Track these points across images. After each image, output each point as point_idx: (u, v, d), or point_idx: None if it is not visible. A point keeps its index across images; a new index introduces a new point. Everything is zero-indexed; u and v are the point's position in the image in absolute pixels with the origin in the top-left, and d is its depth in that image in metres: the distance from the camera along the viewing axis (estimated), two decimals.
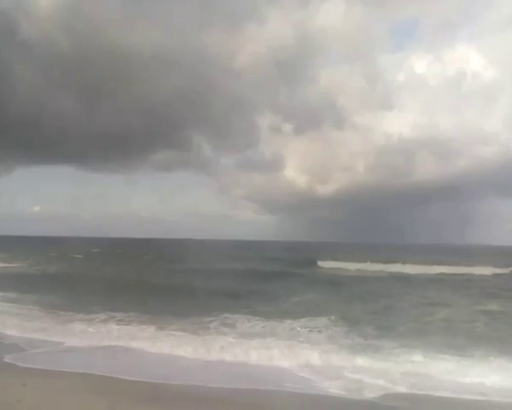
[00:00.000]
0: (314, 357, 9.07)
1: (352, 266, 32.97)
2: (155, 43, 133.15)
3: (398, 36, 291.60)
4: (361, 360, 8.82)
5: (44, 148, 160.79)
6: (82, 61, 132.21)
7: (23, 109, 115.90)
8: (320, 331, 11.31)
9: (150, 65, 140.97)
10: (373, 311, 14.60)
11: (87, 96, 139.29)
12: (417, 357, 8.89)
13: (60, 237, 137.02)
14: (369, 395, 7.17)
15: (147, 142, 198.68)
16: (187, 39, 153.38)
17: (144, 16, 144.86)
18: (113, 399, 6.75)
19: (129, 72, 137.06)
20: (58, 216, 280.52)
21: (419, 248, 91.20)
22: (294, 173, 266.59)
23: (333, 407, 6.98)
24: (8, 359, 9.13)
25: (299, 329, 11.57)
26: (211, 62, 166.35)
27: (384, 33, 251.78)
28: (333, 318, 12.72)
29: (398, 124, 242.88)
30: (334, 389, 7.44)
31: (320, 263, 35.64)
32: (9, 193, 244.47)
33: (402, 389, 7.45)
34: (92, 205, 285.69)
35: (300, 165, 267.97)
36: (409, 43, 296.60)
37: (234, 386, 7.71)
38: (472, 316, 13.96)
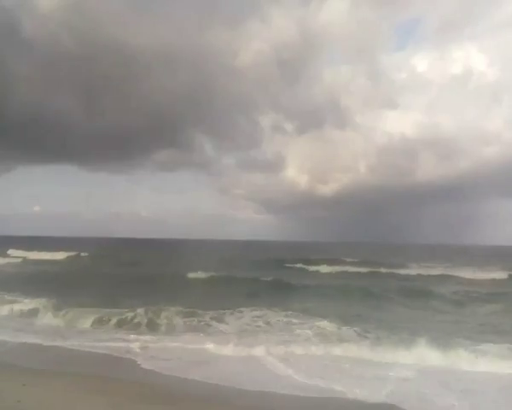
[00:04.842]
0: None
1: (323, 269, 32.56)
2: (158, 42, 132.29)
3: (402, 35, 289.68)
4: None
5: (45, 147, 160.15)
6: (84, 59, 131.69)
7: (24, 108, 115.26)
8: None
9: (152, 63, 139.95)
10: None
11: (89, 95, 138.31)
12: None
13: (60, 237, 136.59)
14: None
15: (148, 141, 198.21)
16: (189, 38, 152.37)
17: (146, 15, 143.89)
18: (113, 399, 6.78)
19: (131, 71, 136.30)
20: (58, 216, 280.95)
21: (418, 249, 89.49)
22: (296, 173, 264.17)
23: None
24: (8, 359, 9.17)
25: None
26: (213, 61, 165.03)
27: (387, 32, 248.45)
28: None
29: (401, 123, 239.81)
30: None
31: (288, 265, 36.05)
32: (9, 193, 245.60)
33: None
34: (93, 205, 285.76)
35: (302, 164, 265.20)
36: (412, 43, 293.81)
37: (235, 386, 7.71)
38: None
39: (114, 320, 13.18)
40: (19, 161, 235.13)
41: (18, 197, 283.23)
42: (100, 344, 10.62)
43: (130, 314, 13.55)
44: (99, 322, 13.10)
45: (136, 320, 13.17)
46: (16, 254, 43.40)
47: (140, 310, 13.75)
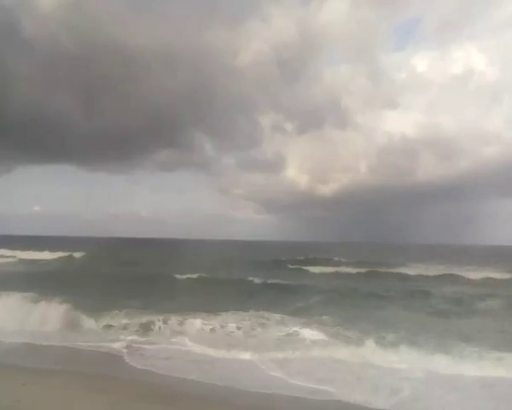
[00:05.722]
0: None
1: (322, 270, 32.35)
2: (158, 42, 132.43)
3: (402, 35, 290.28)
4: None
5: (45, 147, 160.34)
6: (84, 59, 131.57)
7: (24, 108, 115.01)
8: None
9: (152, 63, 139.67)
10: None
11: (88, 95, 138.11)
12: None
13: (59, 237, 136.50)
14: None
15: (148, 141, 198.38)
16: (189, 38, 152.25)
17: (146, 14, 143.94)
18: (113, 398, 6.79)
19: (131, 71, 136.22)
20: (58, 216, 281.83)
21: (418, 249, 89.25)
22: (296, 173, 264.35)
23: None
24: (8, 358, 9.18)
25: None
26: (213, 61, 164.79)
27: (387, 32, 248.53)
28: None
29: (401, 123, 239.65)
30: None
31: (287, 265, 36.22)
32: (9, 193, 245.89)
33: None
34: (92, 205, 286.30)
35: (302, 164, 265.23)
36: (412, 43, 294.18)
37: (233, 386, 7.71)
38: None
39: (110, 321, 13.14)
40: (19, 161, 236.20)
41: (18, 197, 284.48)
42: (98, 344, 10.69)
43: (126, 315, 13.53)
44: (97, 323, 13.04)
45: (132, 322, 13.06)
46: (8, 254, 42.89)
47: (139, 311, 13.80)
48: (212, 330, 12.41)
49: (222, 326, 12.63)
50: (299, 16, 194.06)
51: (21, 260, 38.46)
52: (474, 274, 28.58)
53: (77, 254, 44.58)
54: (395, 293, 20.06)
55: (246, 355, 9.74)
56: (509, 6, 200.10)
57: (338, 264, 37.22)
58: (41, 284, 19.43)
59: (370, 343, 10.36)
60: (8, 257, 39.93)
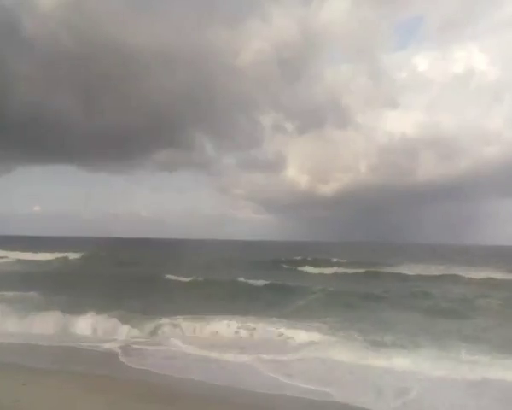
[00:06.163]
0: None
1: (322, 270, 32.24)
2: (158, 41, 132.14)
3: (403, 34, 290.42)
4: None
5: (45, 147, 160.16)
6: (83, 59, 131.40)
7: (24, 108, 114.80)
8: None
9: (152, 63, 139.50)
10: None
11: (88, 95, 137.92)
12: None
13: (59, 237, 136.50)
14: None
15: (148, 141, 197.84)
16: (189, 37, 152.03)
17: (145, 14, 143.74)
18: (112, 397, 6.82)
19: (131, 70, 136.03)
20: (58, 216, 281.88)
21: (418, 249, 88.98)
22: (296, 173, 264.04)
23: None
24: (8, 358, 9.23)
25: None
26: (213, 60, 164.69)
27: (388, 31, 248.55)
28: None
29: (402, 123, 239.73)
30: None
31: (285, 266, 36.15)
32: (9, 193, 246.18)
33: None
34: (92, 205, 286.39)
35: (303, 164, 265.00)
36: (413, 42, 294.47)
37: (232, 386, 7.76)
38: None
39: (108, 322, 13.01)
40: (19, 161, 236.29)
41: (18, 197, 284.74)
42: (96, 344, 10.77)
43: (124, 316, 13.41)
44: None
45: (130, 322, 12.93)
46: (2, 254, 42.63)
47: (136, 313, 13.75)
48: (210, 331, 12.37)
49: (219, 328, 12.55)
50: (299, 15, 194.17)
51: (17, 261, 38.04)
52: (475, 274, 28.39)
53: (74, 255, 44.23)
54: (395, 293, 20.02)
55: (243, 356, 9.73)
56: (510, 6, 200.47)
57: (338, 264, 37.18)
58: (37, 285, 19.37)
59: (369, 344, 10.34)
60: (2, 258, 39.65)
